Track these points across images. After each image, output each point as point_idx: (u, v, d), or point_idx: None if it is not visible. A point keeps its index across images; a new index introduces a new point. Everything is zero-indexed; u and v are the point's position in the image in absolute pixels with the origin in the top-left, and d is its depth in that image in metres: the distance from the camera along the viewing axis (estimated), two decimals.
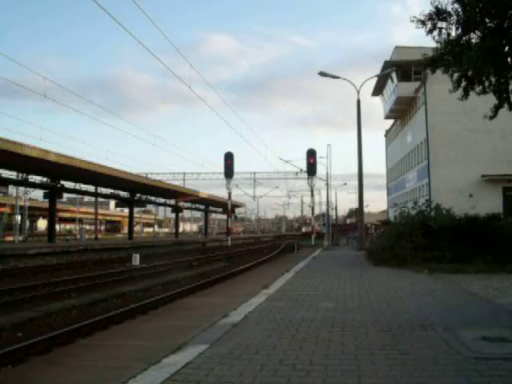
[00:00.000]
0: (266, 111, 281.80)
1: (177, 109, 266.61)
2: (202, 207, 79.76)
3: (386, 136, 68.57)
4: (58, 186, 41.83)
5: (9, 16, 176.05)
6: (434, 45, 17.30)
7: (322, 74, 33.22)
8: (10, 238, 54.99)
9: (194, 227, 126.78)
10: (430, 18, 16.60)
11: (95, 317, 10.37)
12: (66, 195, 52.08)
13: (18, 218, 57.00)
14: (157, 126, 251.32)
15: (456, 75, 17.18)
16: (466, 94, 17.42)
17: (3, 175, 36.55)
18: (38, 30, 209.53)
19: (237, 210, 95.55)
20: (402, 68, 45.78)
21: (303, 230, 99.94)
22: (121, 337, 7.68)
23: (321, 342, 6.29)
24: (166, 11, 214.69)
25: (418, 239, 19.43)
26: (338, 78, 33.69)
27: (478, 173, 40.91)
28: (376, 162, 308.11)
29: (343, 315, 8.31)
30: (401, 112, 54.23)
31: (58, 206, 57.77)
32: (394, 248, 19.75)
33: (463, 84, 17.16)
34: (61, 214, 78.37)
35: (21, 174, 38.56)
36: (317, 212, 78.17)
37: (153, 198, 61.94)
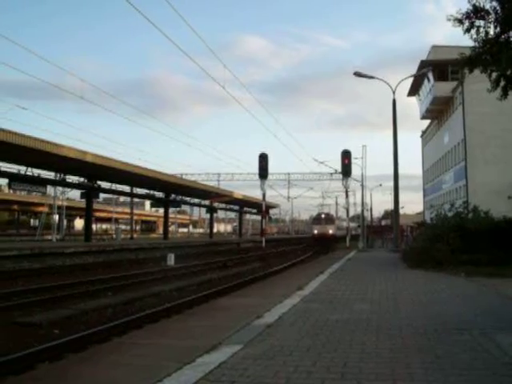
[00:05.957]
0: (300, 112, 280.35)
1: (211, 110, 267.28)
2: (237, 208, 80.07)
3: (422, 137, 67.77)
4: (95, 186, 42.51)
5: (49, 19, 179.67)
6: (471, 44, 17.04)
7: (357, 74, 33.03)
8: (48, 237, 56.15)
9: (229, 228, 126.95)
10: (468, 16, 16.35)
11: (130, 315, 10.51)
12: (102, 195, 52.81)
13: (56, 217, 58.23)
14: (191, 127, 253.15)
15: (494, 74, 16.88)
16: (504, 94, 17.10)
17: (42, 175, 37.31)
18: (75, 33, 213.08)
19: (271, 211, 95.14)
20: (439, 68, 45.17)
21: (315, 231, 60.24)
22: (155, 336, 7.74)
23: (355, 345, 6.25)
24: (201, 13, 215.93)
25: (454, 242, 19.14)
26: (374, 78, 33.42)
27: None
28: (412, 163, 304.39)
29: (378, 317, 8.24)
30: (437, 112, 53.53)
31: (95, 206, 58.63)
32: (430, 250, 19.50)
33: (502, 83, 16.84)
34: (97, 214, 79.65)
35: (59, 175, 39.34)
36: (352, 213, 77.13)
37: (188, 199, 62.37)
